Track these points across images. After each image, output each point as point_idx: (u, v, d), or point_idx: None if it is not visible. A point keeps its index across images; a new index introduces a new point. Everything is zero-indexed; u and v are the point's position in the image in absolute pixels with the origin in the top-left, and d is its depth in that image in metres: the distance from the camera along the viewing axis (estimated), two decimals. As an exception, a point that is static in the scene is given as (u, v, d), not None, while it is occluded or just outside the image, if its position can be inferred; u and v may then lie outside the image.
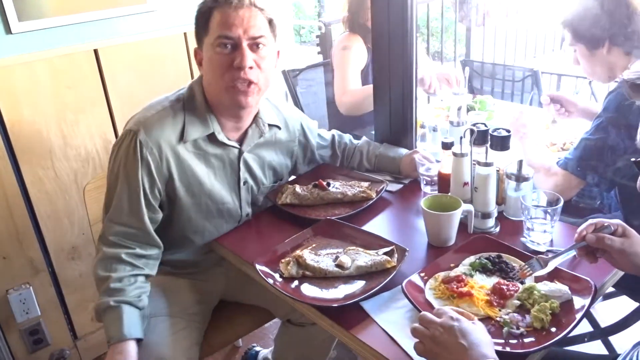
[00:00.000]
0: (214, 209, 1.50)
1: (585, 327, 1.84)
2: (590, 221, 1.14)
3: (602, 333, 1.79)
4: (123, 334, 1.28)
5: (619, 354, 1.06)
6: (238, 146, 1.50)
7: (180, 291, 1.57)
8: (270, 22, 1.40)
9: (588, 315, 1.17)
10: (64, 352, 2.01)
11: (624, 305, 1.86)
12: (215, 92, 1.41)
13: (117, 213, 1.39)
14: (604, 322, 1.86)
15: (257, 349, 2.16)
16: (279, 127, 1.60)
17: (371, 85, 2.35)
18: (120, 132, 2.06)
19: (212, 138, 1.45)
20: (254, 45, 1.36)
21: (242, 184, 1.54)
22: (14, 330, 2.04)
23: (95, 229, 1.72)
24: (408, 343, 1.05)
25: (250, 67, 1.35)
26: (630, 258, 1.09)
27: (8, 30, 1.80)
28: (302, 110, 2.64)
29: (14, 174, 1.90)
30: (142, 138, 1.36)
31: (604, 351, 1.86)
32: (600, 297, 1.95)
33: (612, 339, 1.84)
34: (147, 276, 1.41)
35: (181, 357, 1.43)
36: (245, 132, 1.52)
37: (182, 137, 1.41)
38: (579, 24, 1.67)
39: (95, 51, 1.99)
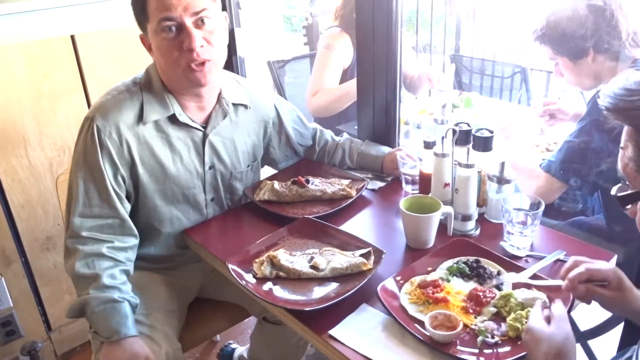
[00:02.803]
0: (179, 193, 1.46)
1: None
2: (583, 266, 1.04)
3: (581, 337, 1.77)
4: (132, 330, 1.27)
5: None
6: (202, 128, 1.45)
7: (157, 287, 1.53)
8: None
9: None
10: (36, 344, 1.96)
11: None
12: (172, 77, 1.36)
13: (86, 207, 1.33)
14: (583, 324, 1.85)
15: (234, 346, 2.13)
16: (246, 107, 1.54)
17: (341, 86, 2.31)
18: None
19: (174, 120, 1.40)
20: (199, 21, 1.29)
21: (207, 168, 1.49)
22: (-16, 321, 2.00)
23: (67, 242, 1.67)
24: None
25: (202, 46, 1.29)
26: (617, 309, 1.06)
27: (-20, 13, 1.75)
28: (286, 102, 2.60)
29: (-15, 163, 1.85)
30: (99, 123, 1.31)
31: (582, 355, 1.85)
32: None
33: (591, 342, 1.83)
34: (128, 273, 1.37)
35: (168, 353, 1.40)
36: (210, 115, 1.47)
37: (141, 119, 1.36)
38: (559, 37, 1.61)
39: (72, 37, 1.93)
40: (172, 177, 1.43)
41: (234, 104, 1.51)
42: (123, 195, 1.37)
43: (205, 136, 1.46)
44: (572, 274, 1.04)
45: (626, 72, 1.00)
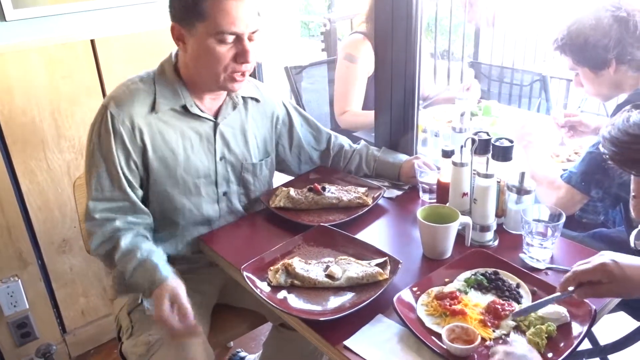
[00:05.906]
0: (190, 183, 1.49)
1: (584, 344, 1.79)
2: (571, 272, 1.05)
3: (601, 351, 1.74)
4: (164, 275, 1.29)
5: None
6: (213, 119, 1.50)
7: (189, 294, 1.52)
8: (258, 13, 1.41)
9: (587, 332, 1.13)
10: (51, 347, 1.97)
11: (624, 321, 1.80)
12: (205, 77, 1.41)
13: (98, 191, 1.40)
14: (604, 338, 1.81)
15: (242, 354, 2.12)
16: (256, 100, 1.60)
17: (368, 112, 2.30)
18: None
19: (186, 110, 1.45)
20: (251, 37, 1.38)
21: (218, 158, 1.52)
22: (1, 322, 2.01)
23: (85, 226, 1.68)
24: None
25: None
26: (633, 295, 1.04)
27: (2, 17, 1.76)
28: (303, 108, 2.59)
29: (4, 165, 1.86)
30: (113, 111, 1.37)
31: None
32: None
33: (612, 357, 1.79)
34: (147, 237, 1.43)
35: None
36: (221, 106, 1.52)
37: (153, 108, 1.41)
38: (580, 47, 1.58)
39: (92, 41, 1.94)
40: (183, 164, 1.46)
41: (243, 97, 1.56)
42: (135, 182, 1.43)
43: (216, 126, 1.50)
44: (562, 281, 1.07)
45: (625, 110, 0.97)
